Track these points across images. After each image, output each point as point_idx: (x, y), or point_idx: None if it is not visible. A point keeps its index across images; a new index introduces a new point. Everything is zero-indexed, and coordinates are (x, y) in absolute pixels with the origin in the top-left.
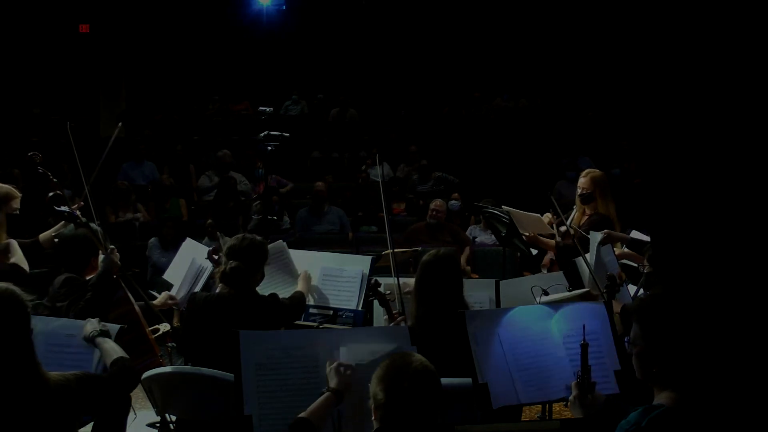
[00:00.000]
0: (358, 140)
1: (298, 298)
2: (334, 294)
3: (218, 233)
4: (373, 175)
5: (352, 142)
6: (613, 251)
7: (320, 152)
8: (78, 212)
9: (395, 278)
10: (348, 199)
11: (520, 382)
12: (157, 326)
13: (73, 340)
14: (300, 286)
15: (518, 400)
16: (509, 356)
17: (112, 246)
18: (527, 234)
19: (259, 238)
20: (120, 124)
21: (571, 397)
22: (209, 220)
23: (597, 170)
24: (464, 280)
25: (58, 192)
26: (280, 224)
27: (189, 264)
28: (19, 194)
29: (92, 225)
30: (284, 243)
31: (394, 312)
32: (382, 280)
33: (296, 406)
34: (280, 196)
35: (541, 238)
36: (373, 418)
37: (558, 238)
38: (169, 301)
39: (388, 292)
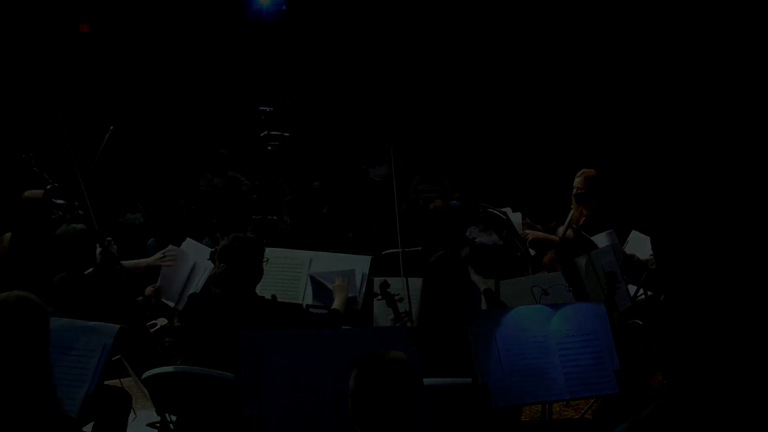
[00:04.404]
0: (358, 140)
1: (333, 316)
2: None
3: (217, 234)
4: (373, 174)
5: (352, 142)
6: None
7: (320, 152)
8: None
9: (403, 278)
10: (348, 199)
11: (513, 383)
12: (154, 321)
13: (77, 343)
14: (336, 303)
15: (510, 400)
16: (504, 356)
17: (109, 238)
18: (527, 233)
19: (251, 236)
20: (111, 127)
21: None
22: (213, 220)
23: (591, 170)
24: None
25: (56, 184)
26: (279, 224)
27: (186, 261)
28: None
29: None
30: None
31: (401, 312)
32: (390, 281)
33: (296, 406)
34: (281, 196)
35: (544, 234)
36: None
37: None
38: (151, 290)
39: (398, 293)
